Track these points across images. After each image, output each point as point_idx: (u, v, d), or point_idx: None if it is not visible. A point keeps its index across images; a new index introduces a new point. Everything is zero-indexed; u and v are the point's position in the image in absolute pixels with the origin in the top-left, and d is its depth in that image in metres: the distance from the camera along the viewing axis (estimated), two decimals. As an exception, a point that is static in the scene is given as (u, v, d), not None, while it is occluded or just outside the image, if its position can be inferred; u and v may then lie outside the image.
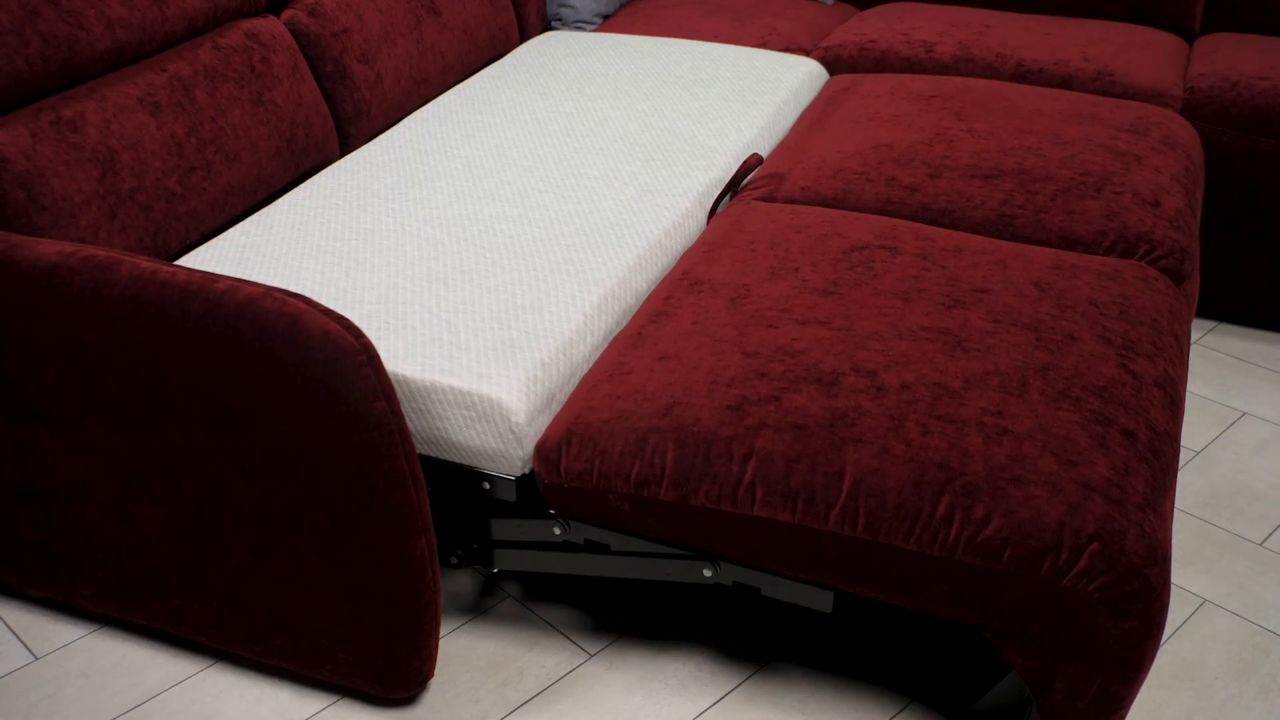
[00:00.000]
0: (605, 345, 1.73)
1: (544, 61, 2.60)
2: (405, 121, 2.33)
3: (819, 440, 1.45)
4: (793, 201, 2.05)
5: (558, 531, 1.62)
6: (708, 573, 1.57)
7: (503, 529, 1.67)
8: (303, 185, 2.08)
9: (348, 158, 2.17)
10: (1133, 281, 1.77)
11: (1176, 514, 2.04)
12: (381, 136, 2.26)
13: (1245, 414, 2.31)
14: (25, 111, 1.76)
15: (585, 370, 1.68)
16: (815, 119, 2.33)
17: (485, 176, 2.07)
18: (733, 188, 2.07)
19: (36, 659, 1.78)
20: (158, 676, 1.74)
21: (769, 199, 2.05)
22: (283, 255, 1.84)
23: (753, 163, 2.12)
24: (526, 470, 1.59)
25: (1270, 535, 2.00)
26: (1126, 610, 1.33)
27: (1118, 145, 2.14)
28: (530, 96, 2.41)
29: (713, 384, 1.54)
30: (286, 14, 2.26)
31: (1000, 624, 1.41)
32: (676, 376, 1.56)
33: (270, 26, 2.18)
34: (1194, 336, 2.57)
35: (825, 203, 2.05)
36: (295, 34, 2.24)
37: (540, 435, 1.58)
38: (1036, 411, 1.48)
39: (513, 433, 1.55)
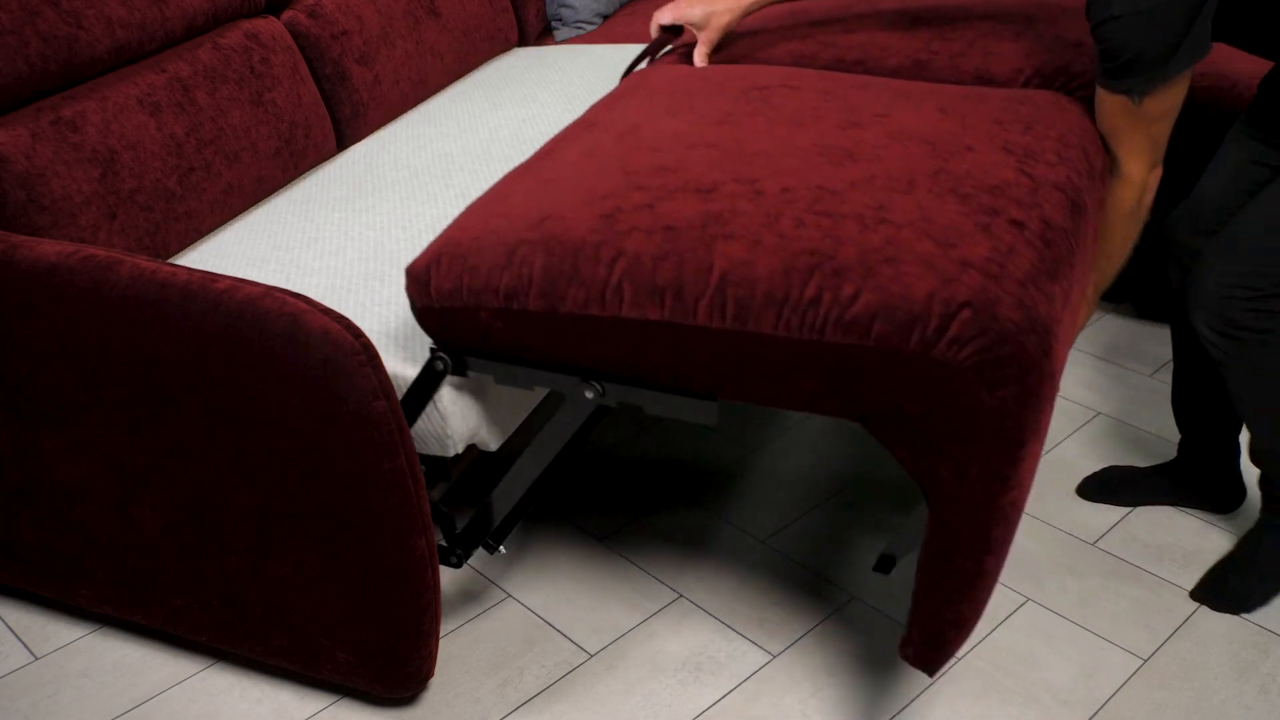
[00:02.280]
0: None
1: (506, 75, 2.62)
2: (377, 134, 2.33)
3: (689, 238, 1.38)
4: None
5: (439, 367, 1.55)
6: (589, 395, 1.49)
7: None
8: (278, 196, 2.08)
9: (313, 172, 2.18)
10: (1044, 105, 1.68)
11: (1177, 513, 2.05)
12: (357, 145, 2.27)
13: (1244, 414, 2.30)
14: (25, 111, 1.76)
15: None
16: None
17: (430, 182, 2.09)
18: (650, 55, 2.03)
19: (36, 659, 1.78)
20: (158, 676, 1.74)
21: (680, 61, 1.99)
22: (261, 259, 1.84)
23: (672, 36, 2.06)
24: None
25: (1270, 535, 2.00)
26: (1001, 378, 1.27)
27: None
28: (485, 108, 2.43)
29: (588, 198, 1.47)
30: (286, 15, 2.26)
31: (876, 409, 1.35)
32: (553, 195, 1.50)
33: (270, 27, 2.18)
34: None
35: (735, 60, 1.97)
36: (295, 35, 2.24)
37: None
38: (920, 205, 1.40)
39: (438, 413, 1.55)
